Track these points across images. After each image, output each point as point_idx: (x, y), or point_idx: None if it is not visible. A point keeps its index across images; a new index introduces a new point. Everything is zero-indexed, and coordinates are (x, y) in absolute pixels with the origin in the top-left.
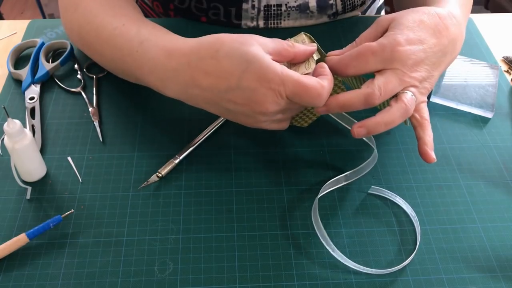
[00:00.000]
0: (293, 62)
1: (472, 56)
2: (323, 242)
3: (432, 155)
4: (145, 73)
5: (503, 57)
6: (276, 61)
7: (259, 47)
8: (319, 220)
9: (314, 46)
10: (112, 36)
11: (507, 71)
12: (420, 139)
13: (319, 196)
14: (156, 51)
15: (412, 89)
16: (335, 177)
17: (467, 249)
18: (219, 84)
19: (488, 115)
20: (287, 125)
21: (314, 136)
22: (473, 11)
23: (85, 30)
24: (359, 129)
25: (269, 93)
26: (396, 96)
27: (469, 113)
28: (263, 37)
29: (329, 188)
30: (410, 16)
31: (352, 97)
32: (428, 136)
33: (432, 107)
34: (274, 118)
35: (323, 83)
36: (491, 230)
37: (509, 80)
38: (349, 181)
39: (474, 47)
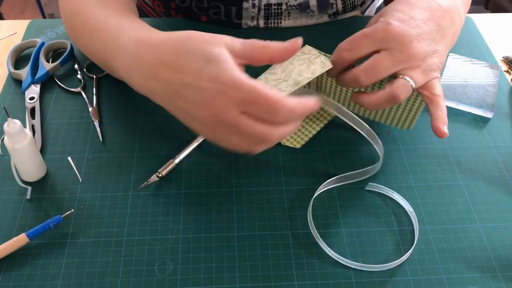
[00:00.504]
0: (275, 63)
1: (472, 56)
2: (318, 242)
3: (444, 129)
4: (117, 64)
5: (503, 57)
6: (250, 64)
7: (224, 49)
8: (312, 221)
9: (297, 42)
10: (96, 29)
11: (507, 71)
12: (431, 116)
13: (314, 196)
14: (129, 40)
15: (411, 72)
16: (334, 177)
17: (467, 249)
18: (176, 78)
19: (488, 115)
20: (256, 147)
21: (314, 136)
22: (473, 11)
23: (74, 23)
24: (353, 97)
25: (219, 96)
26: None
27: (469, 113)
28: (236, 39)
29: (324, 188)
30: (398, 3)
31: (344, 78)
32: (440, 111)
33: None
34: (234, 130)
35: (288, 98)
36: (491, 230)
37: (509, 80)
38: (347, 182)
39: (474, 47)
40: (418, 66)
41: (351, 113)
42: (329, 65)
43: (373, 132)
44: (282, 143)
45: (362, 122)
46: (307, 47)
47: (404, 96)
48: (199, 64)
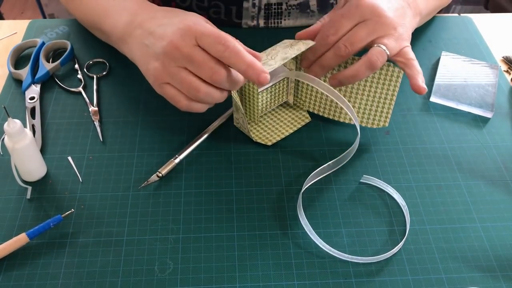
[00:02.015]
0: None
1: (472, 56)
2: (310, 235)
3: (423, 85)
4: (107, 20)
5: (503, 57)
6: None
7: (200, 17)
8: (304, 214)
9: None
10: None
11: (507, 71)
12: (410, 77)
13: (302, 190)
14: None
15: (385, 40)
16: (334, 177)
17: (467, 249)
18: (156, 23)
19: (488, 115)
20: (199, 105)
21: (314, 136)
22: (473, 11)
23: None
24: (332, 81)
25: (182, 29)
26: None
27: (469, 113)
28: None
29: (312, 180)
30: None
31: (326, 55)
32: (416, 71)
33: (432, 107)
34: (187, 61)
35: (233, 41)
36: (491, 230)
37: (509, 80)
38: (333, 170)
39: (474, 47)
40: (391, 35)
41: (327, 85)
42: (311, 43)
43: (351, 107)
44: (254, 139)
45: (339, 94)
46: (287, 40)
47: (380, 62)
48: (177, 13)
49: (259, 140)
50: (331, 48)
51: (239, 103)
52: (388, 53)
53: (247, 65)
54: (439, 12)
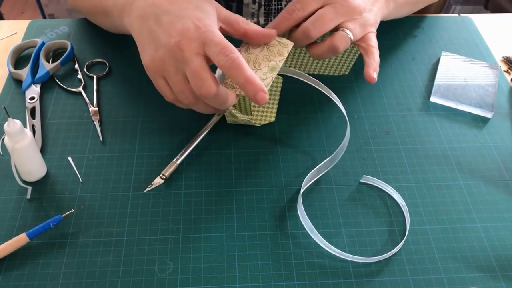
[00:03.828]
0: (245, 40)
1: (472, 56)
2: (312, 235)
3: (373, 75)
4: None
5: (503, 57)
6: (226, 31)
7: (214, 9)
8: (305, 214)
9: (273, 31)
10: None
11: (507, 71)
12: (365, 64)
13: (302, 190)
14: None
15: (351, 24)
16: (334, 177)
17: (467, 249)
18: (163, 4)
19: (488, 115)
20: (198, 105)
21: (314, 136)
22: (473, 11)
23: None
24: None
25: (192, 31)
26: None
27: (469, 113)
28: (226, 10)
29: (310, 180)
30: None
31: (294, 34)
32: (373, 60)
33: (432, 107)
34: (185, 65)
35: (237, 54)
36: (491, 230)
37: (509, 80)
38: (330, 167)
39: (474, 47)
40: (357, 19)
41: (311, 77)
42: (289, 43)
43: (330, 91)
44: (258, 124)
45: (327, 88)
46: None
47: (342, 47)
48: (190, 6)
49: (263, 123)
50: (300, 29)
51: (239, 119)
52: (352, 38)
53: (245, 79)
54: (439, 12)
